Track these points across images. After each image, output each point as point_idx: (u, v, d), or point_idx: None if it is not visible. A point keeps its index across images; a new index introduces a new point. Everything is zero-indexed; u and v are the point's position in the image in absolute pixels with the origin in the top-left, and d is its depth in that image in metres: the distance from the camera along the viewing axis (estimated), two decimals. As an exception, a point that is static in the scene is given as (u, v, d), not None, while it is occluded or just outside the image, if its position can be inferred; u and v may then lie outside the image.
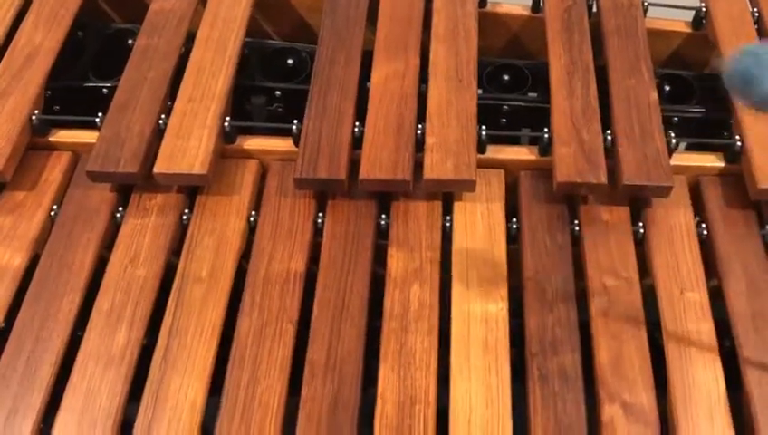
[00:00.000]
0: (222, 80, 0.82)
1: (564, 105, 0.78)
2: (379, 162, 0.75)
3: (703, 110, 0.85)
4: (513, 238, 0.75)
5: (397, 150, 0.75)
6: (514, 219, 0.75)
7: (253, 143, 0.81)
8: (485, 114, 0.86)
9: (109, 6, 1.02)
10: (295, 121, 0.78)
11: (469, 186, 0.74)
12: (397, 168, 0.74)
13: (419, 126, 0.77)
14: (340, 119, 0.78)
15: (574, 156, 0.74)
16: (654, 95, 0.78)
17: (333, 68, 0.83)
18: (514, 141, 0.84)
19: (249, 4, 0.89)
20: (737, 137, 0.75)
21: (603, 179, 0.73)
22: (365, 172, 0.74)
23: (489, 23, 0.93)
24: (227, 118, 0.79)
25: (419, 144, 0.77)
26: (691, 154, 0.78)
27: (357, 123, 0.78)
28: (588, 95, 0.79)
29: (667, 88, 0.88)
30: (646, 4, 0.88)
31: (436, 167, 0.74)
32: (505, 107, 0.86)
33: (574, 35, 0.84)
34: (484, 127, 0.77)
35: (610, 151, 0.75)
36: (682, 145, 0.83)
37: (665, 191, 0.73)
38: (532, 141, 0.79)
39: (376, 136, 0.77)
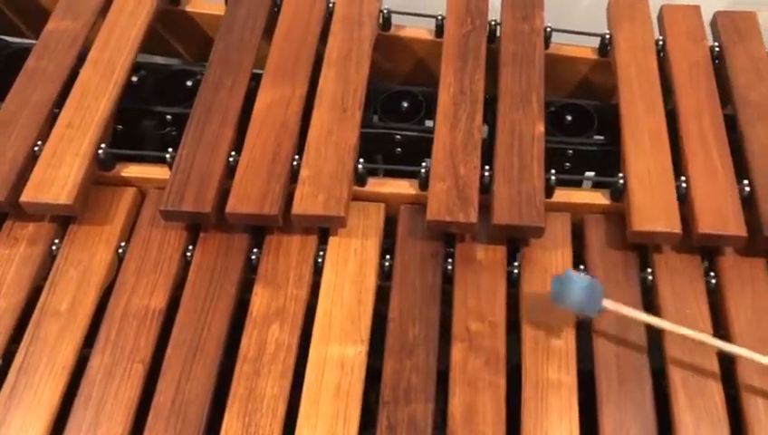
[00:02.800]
0: (104, 104, 0.80)
1: (446, 138, 0.75)
2: (248, 195, 0.72)
3: (600, 141, 0.82)
4: (386, 276, 0.72)
5: (268, 183, 0.73)
6: (388, 256, 0.73)
7: (131, 170, 0.79)
8: (380, 145, 0.85)
9: (21, 21, 1.00)
10: (170, 149, 0.76)
11: (339, 222, 0.72)
12: (265, 201, 0.72)
13: (296, 157, 0.75)
14: (216, 147, 0.76)
15: (447, 192, 0.71)
16: (540, 128, 0.75)
17: (218, 92, 0.80)
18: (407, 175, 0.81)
19: (143, 26, 0.87)
20: (620, 174, 0.73)
21: (473, 219, 0.70)
22: (231, 205, 0.72)
23: (393, 47, 0.91)
24: (103, 145, 0.77)
25: (296, 176, 0.74)
26: (576, 191, 0.75)
27: (233, 152, 0.76)
28: (471, 128, 0.76)
29: (569, 118, 0.85)
30: (548, 30, 0.85)
31: (306, 201, 0.72)
32: (398, 137, 0.83)
33: (468, 63, 0.81)
34: (362, 160, 0.75)
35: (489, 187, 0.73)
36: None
37: (537, 232, 0.70)
38: (414, 175, 0.77)
39: (250, 166, 0.74)
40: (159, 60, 1.03)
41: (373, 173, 0.80)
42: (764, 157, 0.72)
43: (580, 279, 0.64)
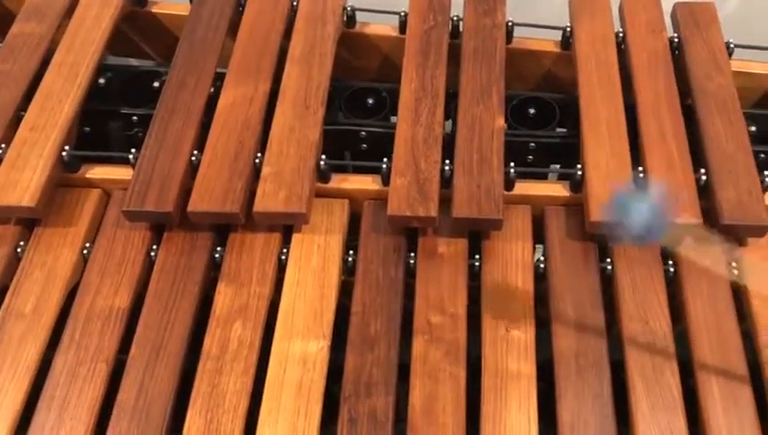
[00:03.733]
0: (68, 107, 0.80)
1: (407, 133, 0.76)
2: (210, 193, 0.73)
3: (562, 134, 0.83)
4: (350, 271, 0.73)
5: (230, 181, 0.73)
6: (351, 251, 0.73)
7: (96, 172, 0.79)
8: (345, 142, 0.85)
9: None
10: (133, 150, 0.77)
11: (301, 219, 0.72)
12: (226, 200, 0.72)
13: (259, 155, 0.75)
14: (178, 147, 0.76)
15: (408, 187, 0.72)
16: (500, 122, 0.76)
17: (181, 92, 0.81)
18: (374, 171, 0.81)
19: (108, 28, 0.87)
20: (579, 166, 0.73)
21: (432, 213, 0.70)
22: (193, 204, 0.72)
23: (359, 44, 0.91)
24: (67, 147, 0.77)
25: (259, 174, 0.75)
26: (536, 183, 0.76)
27: (196, 152, 0.76)
28: (432, 123, 0.76)
29: (532, 112, 0.85)
30: (510, 24, 0.86)
31: (267, 199, 0.72)
32: (363, 133, 0.84)
33: (430, 59, 0.82)
34: (324, 157, 0.75)
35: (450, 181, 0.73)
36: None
37: (496, 224, 0.70)
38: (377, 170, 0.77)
39: (212, 165, 0.75)
40: (134, 62, 1.03)
41: (343, 169, 0.81)
42: (721, 146, 0.73)
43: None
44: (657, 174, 0.71)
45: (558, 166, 0.86)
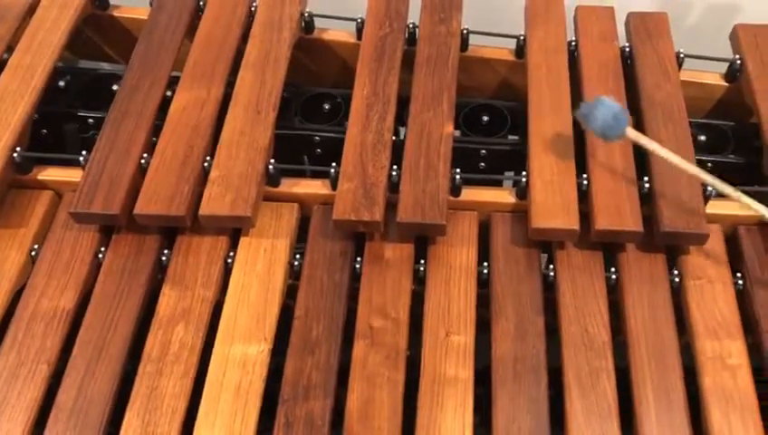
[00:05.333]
0: (22, 109, 0.80)
1: (357, 139, 0.76)
2: (157, 196, 0.73)
3: (514, 141, 0.84)
4: (297, 275, 0.73)
5: (177, 184, 0.74)
6: (298, 256, 0.73)
7: (48, 174, 0.79)
8: (301, 147, 0.85)
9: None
10: (84, 152, 0.77)
11: (247, 222, 0.73)
12: (172, 202, 0.72)
13: (208, 158, 0.76)
14: (128, 149, 0.76)
15: (354, 192, 0.72)
16: (449, 128, 0.76)
17: (135, 96, 0.81)
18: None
19: (67, 31, 0.87)
20: (524, 172, 0.74)
21: (377, 217, 0.71)
22: (139, 207, 0.72)
23: (318, 50, 0.92)
24: (18, 148, 0.77)
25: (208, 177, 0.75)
26: (483, 189, 0.76)
27: (146, 154, 0.76)
28: (382, 129, 0.77)
29: (485, 119, 0.86)
30: (465, 32, 0.86)
31: (213, 202, 0.72)
32: (317, 138, 0.84)
33: (383, 65, 0.82)
34: (272, 161, 0.76)
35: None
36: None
37: (439, 229, 0.71)
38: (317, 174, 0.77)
39: (160, 168, 0.75)
40: (106, 66, 1.04)
41: (302, 174, 0.81)
42: (665, 154, 0.74)
43: (609, 103, 0.69)
44: (600, 181, 0.72)
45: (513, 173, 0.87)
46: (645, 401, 0.63)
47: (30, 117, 0.81)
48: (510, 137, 0.85)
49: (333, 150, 0.84)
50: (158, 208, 0.72)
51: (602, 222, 0.69)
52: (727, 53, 0.85)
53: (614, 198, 0.70)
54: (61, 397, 0.65)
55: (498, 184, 0.84)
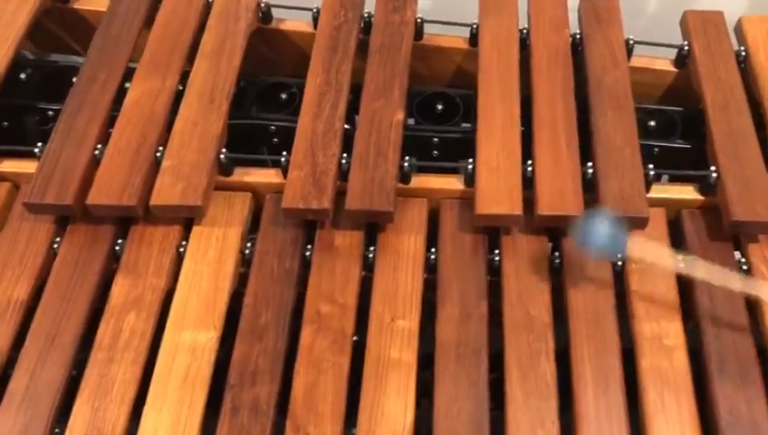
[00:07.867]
0: (-20, 101, 0.81)
1: (308, 127, 0.77)
2: (109, 186, 0.74)
3: (467, 129, 0.84)
4: (248, 263, 0.74)
5: (130, 174, 0.74)
6: (249, 244, 0.75)
7: (5, 165, 0.80)
8: (256, 136, 0.86)
9: None
10: (39, 144, 0.78)
11: (198, 211, 0.74)
12: (124, 193, 0.73)
13: (161, 148, 0.76)
14: (83, 140, 0.77)
15: (304, 180, 0.73)
16: (399, 116, 0.77)
17: (91, 87, 0.82)
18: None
19: (25, 24, 0.88)
20: (470, 160, 0.75)
21: (326, 205, 0.72)
22: (91, 197, 0.73)
23: (277, 40, 0.93)
24: (-26, 141, 0.78)
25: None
26: (432, 177, 0.77)
27: (100, 145, 0.77)
28: (333, 117, 0.78)
29: (440, 107, 0.87)
30: (419, 21, 0.87)
31: (164, 191, 0.74)
32: (272, 128, 0.85)
33: (337, 54, 0.83)
34: (224, 150, 0.76)
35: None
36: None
37: (387, 216, 0.72)
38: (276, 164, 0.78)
39: (113, 158, 0.76)
40: (79, 60, 1.04)
41: (262, 163, 0.82)
42: (609, 139, 0.75)
43: (601, 224, 0.65)
44: (544, 168, 0.73)
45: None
46: (583, 381, 0.64)
47: (-13, 110, 0.82)
48: (463, 125, 0.85)
49: (289, 140, 0.85)
50: (109, 199, 0.73)
51: (544, 207, 0.70)
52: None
53: (557, 184, 0.72)
54: (13, 385, 0.66)
55: (455, 172, 0.86)
